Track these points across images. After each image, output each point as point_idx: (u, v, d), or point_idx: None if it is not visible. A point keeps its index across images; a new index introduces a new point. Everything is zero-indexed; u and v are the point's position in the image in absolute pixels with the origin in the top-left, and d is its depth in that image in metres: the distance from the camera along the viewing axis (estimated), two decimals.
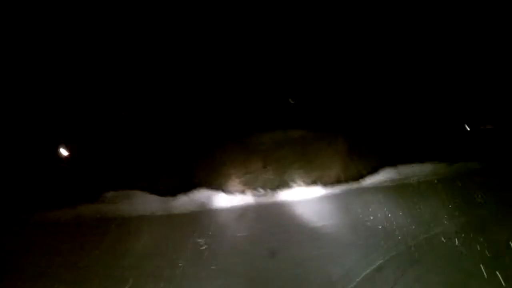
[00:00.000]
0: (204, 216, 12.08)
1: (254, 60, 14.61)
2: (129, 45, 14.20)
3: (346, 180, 13.81)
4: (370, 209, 11.79)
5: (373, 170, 13.93)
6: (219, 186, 13.48)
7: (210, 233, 10.74)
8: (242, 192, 13.37)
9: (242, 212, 12.35)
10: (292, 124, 14.33)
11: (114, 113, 14.67)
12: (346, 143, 14.20)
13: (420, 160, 14.16)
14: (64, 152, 14.12)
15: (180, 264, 9.08)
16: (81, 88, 14.20)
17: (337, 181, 13.78)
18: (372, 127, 14.51)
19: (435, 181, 13.25)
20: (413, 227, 10.33)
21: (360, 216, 11.45)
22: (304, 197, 13.02)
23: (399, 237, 9.80)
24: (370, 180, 13.73)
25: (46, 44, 13.68)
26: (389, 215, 11.12)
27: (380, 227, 10.47)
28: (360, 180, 13.74)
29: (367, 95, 14.53)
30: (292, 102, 14.70)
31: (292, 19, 14.47)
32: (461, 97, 15.16)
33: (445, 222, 10.43)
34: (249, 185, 13.55)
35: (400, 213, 11.15)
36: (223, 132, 14.28)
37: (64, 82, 14.11)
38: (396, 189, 13.13)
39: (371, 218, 11.17)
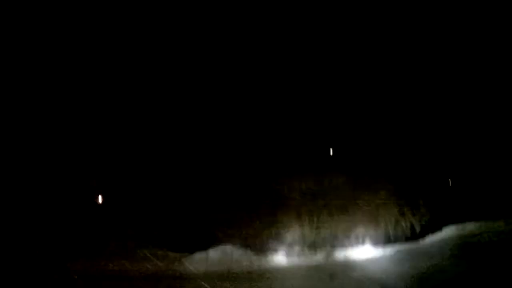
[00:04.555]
0: (224, 278, 9.78)
1: (276, 94, 12.85)
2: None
3: (400, 238, 11.28)
4: (433, 274, 9.35)
5: (434, 227, 11.40)
6: (243, 242, 11.03)
7: None
8: (273, 250, 10.88)
9: (273, 275, 9.88)
10: (329, 168, 12.12)
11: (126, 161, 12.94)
12: (396, 193, 11.81)
13: (489, 216, 11.61)
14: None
15: None
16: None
17: (388, 239, 11.26)
18: (429, 175, 12.14)
19: (509, 240, 11.07)
20: None
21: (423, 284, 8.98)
22: (351, 259, 10.52)
23: None
24: (430, 239, 11.18)
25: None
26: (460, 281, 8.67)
27: None
28: (419, 238, 11.18)
29: (424, 133, 12.30)
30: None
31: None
32: None
33: None
34: (281, 242, 11.08)
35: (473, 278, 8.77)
36: (246, 179, 12.08)
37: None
38: (464, 250, 10.64)
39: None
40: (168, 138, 12.90)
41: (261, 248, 10.97)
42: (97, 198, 12.94)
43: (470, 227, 11.56)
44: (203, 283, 9.74)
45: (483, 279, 8.90)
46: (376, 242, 11.15)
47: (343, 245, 11.08)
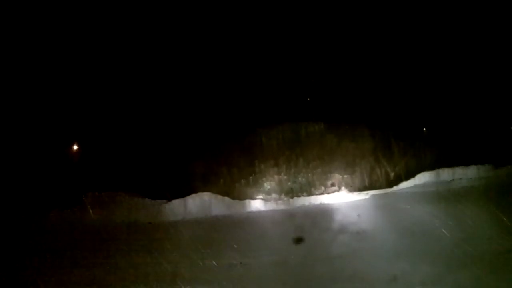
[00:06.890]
0: (202, 225, 9.83)
1: (252, 45, 12.44)
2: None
3: (374, 184, 11.52)
4: (408, 220, 9.56)
5: (408, 174, 11.63)
6: (221, 190, 11.11)
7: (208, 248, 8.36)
8: (250, 197, 11.02)
9: (251, 220, 10.05)
10: (306, 116, 11.98)
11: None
12: (373, 140, 11.89)
13: (463, 162, 11.87)
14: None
15: None
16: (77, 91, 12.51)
17: (363, 186, 11.49)
18: (405, 123, 12.20)
19: (481, 186, 11.22)
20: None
21: (395, 228, 9.17)
22: (326, 204, 10.71)
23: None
24: (404, 185, 11.44)
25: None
26: (431, 226, 8.91)
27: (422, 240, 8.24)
28: (393, 185, 11.43)
29: (403, 82, 12.18)
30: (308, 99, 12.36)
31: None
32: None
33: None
34: (258, 188, 11.20)
35: (445, 223, 9.00)
36: (224, 127, 11.94)
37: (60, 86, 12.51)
38: (437, 196, 10.90)
39: (409, 231, 8.90)
40: (147, 91, 12.59)
41: (240, 195, 11.10)
42: (74, 150, 12.75)
43: (443, 173, 11.79)
44: (181, 230, 9.85)
45: (454, 223, 9.10)
46: (351, 189, 11.38)
47: (320, 191, 11.29)
